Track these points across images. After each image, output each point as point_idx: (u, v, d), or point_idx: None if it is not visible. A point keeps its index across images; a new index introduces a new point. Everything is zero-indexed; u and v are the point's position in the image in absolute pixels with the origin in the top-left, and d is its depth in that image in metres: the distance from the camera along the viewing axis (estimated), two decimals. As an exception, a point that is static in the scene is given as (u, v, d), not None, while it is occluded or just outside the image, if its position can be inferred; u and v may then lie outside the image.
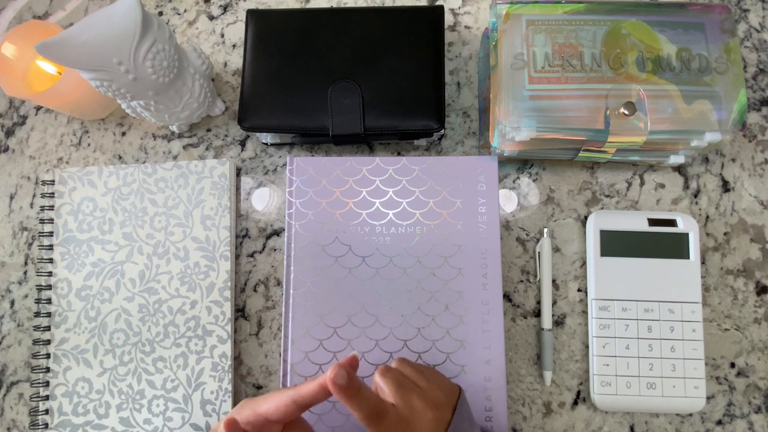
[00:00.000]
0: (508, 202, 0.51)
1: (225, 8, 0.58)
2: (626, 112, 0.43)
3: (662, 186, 0.50)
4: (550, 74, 0.45)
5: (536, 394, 0.47)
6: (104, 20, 0.40)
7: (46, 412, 0.48)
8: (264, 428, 0.35)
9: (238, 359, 0.49)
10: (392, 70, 0.49)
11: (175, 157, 0.54)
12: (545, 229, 0.49)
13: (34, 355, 0.49)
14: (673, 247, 0.47)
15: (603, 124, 0.44)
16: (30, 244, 0.54)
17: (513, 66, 0.45)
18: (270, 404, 0.35)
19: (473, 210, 0.47)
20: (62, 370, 0.49)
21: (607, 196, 0.50)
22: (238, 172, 0.53)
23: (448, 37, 0.55)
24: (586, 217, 0.50)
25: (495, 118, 0.45)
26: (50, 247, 0.51)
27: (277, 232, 0.52)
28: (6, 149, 0.56)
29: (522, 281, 0.49)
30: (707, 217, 0.50)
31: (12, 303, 0.53)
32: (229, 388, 0.47)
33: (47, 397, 0.49)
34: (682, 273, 0.46)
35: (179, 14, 0.58)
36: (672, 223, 0.47)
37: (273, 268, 0.51)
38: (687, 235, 0.47)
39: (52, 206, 0.52)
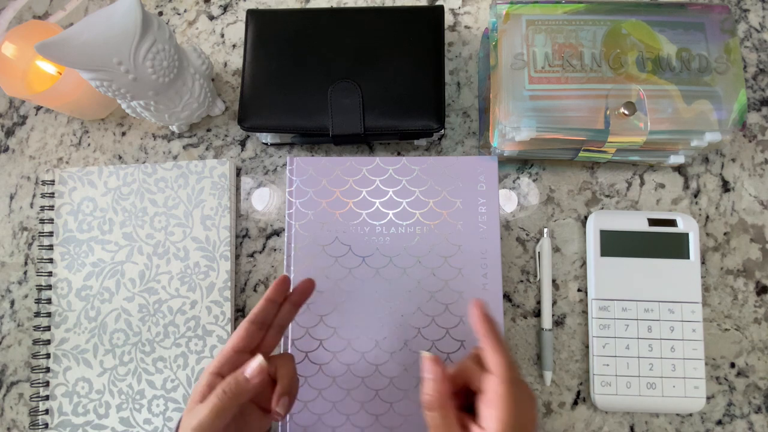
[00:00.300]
0: (508, 202, 0.51)
1: (225, 8, 0.58)
2: (626, 112, 0.43)
3: (662, 186, 0.50)
4: (550, 74, 0.45)
5: (536, 394, 0.47)
6: (104, 20, 0.40)
7: (46, 412, 0.48)
8: (237, 362, 0.36)
9: (238, 359, 0.49)
10: (392, 70, 0.49)
11: (175, 157, 0.54)
12: (545, 229, 0.49)
13: (34, 355, 0.49)
14: (673, 247, 0.47)
15: (603, 124, 0.44)
16: (30, 244, 0.54)
17: (513, 66, 0.45)
18: (231, 338, 0.37)
19: (473, 210, 0.47)
20: (62, 370, 0.49)
21: (607, 196, 0.50)
22: (238, 172, 0.53)
23: (448, 37, 0.55)
24: (586, 217, 0.50)
25: (495, 118, 0.45)
26: (50, 247, 0.51)
27: (277, 232, 0.52)
28: (6, 149, 0.56)
29: (522, 281, 0.49)
30: (707, 217, 0.50)
31: (12, 303, 0.53)
32: (229, 388, 0.47)
33: (47, 397, 0.49)
34: (682, 273, 0.46)
35: (179, 14, 0.58)
36: (672, 223, 0.47)
37: (273, 268, 0.51)
38: (687, 235, 0.47)
39: (52, 206, 0.52)
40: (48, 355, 0.49)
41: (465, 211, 0.47)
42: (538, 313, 0.48)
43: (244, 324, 0.37)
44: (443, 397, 0.33)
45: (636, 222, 0.47)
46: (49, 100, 0.51)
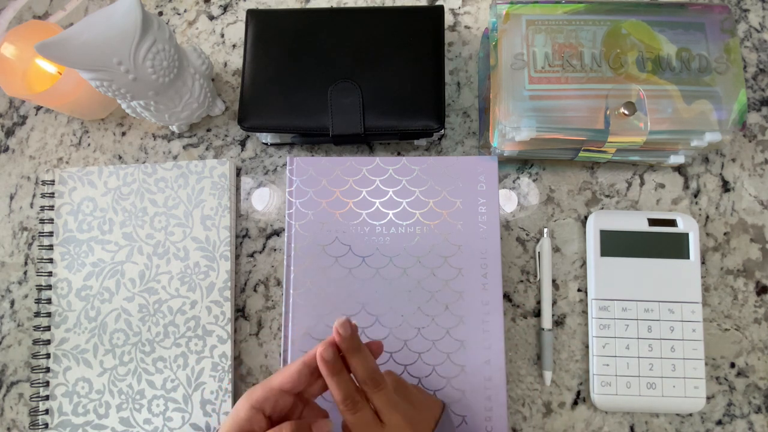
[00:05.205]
0: (508, 202, 0.51)
1: (225, 8, 0.58)
2: (626, 112, 0.43)
3: (662, 186, 0.50)
4: (550, 74, 0.45)
5: (536, 394, 0.47)
6: (104, 20, 0.40)
7: (46, 412, 0.48)
8: (281, 402, 0.36)
9: (238, 359, 0.49)
10: (392, 70, 0.49)
11: (175, 157, 0.54)
12: (545, 229, 0.49)
13: (34, 355, 0.49)
14: (673, 247, 0.47)
15: (603, 124, 0.44)
16: (30, 244, 0.54)
17: (513, 66, 0.45)
18: (281, 376, 0.36)
19: (473, 210, 0.47)
20: (62, 370, 0.49)
21: (607, 196, 0.50)
22: (238, 172, 0.53)
23: (448, 37, 0.55)
24: (586, 217, 0.50)
25: (495, 118, 0.45)
26: (50, 247, 0.51)
27: (277, 232, 0.52)
28: (6, 149, 0.56)
29: (522, 281, 0.49)
30: (707, 217, 0.50)
31: (12, 303, 0.53)
32: (229, 388, 0.47)
33: (47, 397, 0.49)
34: (682, 273, 0.46)
35: (179, 14, 0.58)
36: (672, 223, 0.47)
37: (273, 268, 0.51)
38: (687, 235, 0.47)
39: (52, 206, 0.52)
40: (48, 355, 0.49)
41: (465, 211, 0.47)
42: (538, 313, 0.48)
43: (297, 365, 0.35)
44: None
45: (636, 222, 0.47)
46: (49, 100, 0.51)
